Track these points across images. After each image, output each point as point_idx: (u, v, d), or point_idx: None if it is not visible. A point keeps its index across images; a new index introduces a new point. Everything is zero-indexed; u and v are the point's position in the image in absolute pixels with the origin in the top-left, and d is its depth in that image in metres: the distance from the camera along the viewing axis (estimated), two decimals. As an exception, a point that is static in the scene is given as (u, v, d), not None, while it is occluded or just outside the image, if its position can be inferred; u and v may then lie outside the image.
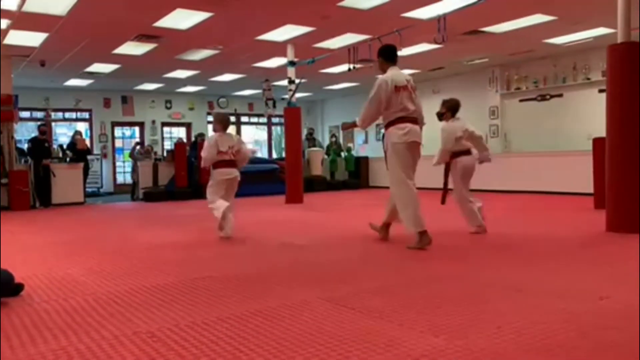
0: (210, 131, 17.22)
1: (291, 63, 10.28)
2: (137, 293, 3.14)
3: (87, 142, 14.01)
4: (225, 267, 3.90)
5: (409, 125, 4.49)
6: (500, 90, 13.08)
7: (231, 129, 6.29)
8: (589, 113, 10.93)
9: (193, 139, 15.26)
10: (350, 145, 16.78)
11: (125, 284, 3.41)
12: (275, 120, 17.20)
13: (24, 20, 8.20)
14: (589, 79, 11.41)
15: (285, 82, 10.68)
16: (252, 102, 17.62)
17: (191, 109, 16.96)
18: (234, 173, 5.59)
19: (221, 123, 5.73)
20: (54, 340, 2.29)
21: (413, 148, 4.52)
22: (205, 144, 5.71)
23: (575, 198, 9.07)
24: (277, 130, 18.99)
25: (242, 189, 12.67)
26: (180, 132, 17.08)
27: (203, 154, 5.65)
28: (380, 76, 4.63)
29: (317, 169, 13.90)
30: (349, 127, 5.11)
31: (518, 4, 8.17)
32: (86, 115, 15.74)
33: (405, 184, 4.48)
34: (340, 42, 10.07)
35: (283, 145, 13.05)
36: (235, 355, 2.05)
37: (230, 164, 5.56)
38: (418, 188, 4.52)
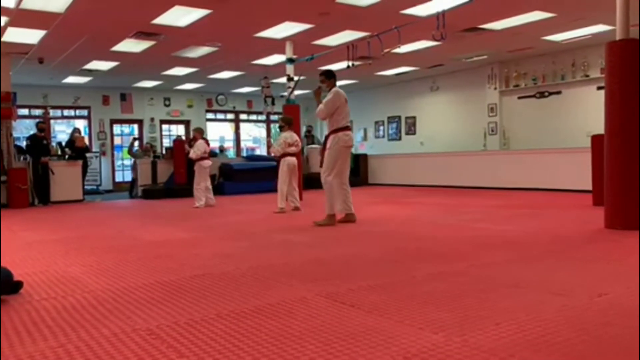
0: (210, 129, 17.26)
1: (290, 60, 10.28)
2: (136, 290, 3.15)
3: (86, 139, 14.00)
4: (223, 264, 3.90)
5: (350, 133, 6.14)
6: (498, 87, 13.06)
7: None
8: (587, 110, 10.94)
9: (192, 136, 15.22)
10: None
11: (124, 281, 3.41)
12: (274, 117, 17.18)
13: (22, 17, 8.18)
14: (587, 76, 11.41)
15: (284, 80, 10.68)
16: (251, 99, 17.61)
17: (190, 106, 16.94)
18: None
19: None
20: (53, 338, 2.29)
21: (350, 149, 6.18)
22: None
23: (574, 195, 9.09)
24: (276, 127, 18.98)
25: (242, 186, 13.06)
26: (179, 130, 17.06)
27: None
28: (335, 89, 6.08)
29: (316, 167, 13.90)
30: (317, 94, 6.30)
31: (517, 1, 8.17)
32: (85, 112, 15.71)
33: (342, 175, 6.02)
34: (339, 40, 10.06)
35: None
36: (234, 353, 2.05)
37: None
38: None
